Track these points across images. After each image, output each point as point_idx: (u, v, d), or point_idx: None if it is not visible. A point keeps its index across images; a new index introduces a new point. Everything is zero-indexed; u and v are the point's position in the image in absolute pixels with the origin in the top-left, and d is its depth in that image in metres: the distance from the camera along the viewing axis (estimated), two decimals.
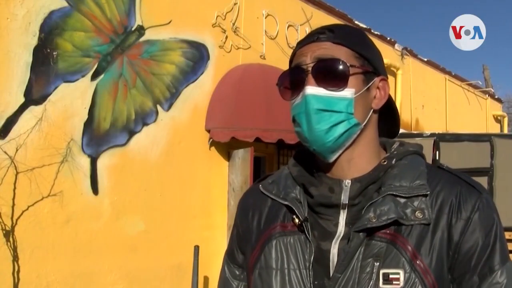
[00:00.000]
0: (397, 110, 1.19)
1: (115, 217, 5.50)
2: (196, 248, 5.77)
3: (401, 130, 8.84)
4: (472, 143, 6.78)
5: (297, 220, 1.06)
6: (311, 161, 1.12)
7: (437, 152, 6.67)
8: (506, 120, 16.12)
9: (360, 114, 1.05)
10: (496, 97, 16.13)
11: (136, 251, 5.65)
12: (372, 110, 1.08)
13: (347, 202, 1.04)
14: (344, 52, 1.05)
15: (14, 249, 4.67)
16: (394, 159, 1.07)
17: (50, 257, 4.92)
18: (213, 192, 6.54)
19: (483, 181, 6.54)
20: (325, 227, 1.05)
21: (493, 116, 15.12)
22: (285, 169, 1.17)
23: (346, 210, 1.05)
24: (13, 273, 4.64)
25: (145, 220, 5.77)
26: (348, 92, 1.03)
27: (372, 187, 1.05)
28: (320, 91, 1.03)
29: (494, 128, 14.84)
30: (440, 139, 6.78)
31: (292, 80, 1.07)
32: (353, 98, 1.04)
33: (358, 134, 1.06)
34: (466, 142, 6.80)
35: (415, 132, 9.53)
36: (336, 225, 1.05)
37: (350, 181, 1.05)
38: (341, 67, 1.03)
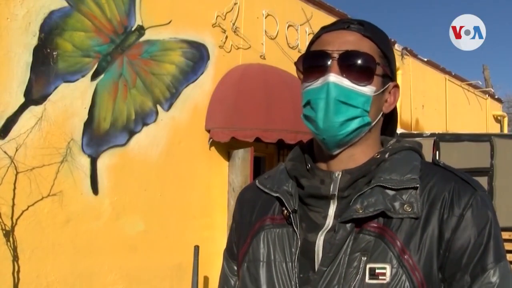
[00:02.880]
0: (397, 115, 1.19)
1: (115, 217, 5.49)
2: (196, 248, 5.77)
3: (401, 130, 8.86)
4: (472, 143, 6.78)
5: (286, 212, 1.05)
6: (309, 155, 1.12)
7: (437, 152, 6.68)
8: (506, 120, 16.13)
9: (373, 114, 1.05)
10: (496, 97, 16.12)
11: (136, 251, 5.65)
12: (381, 113, 1.08)
13: (336, 193, 1.02)
14: (371, 47, 1.04)
15: (14, 249, 4.67)
16: (388, 153, 1.06)
17: (50, 257, 4.92)
18: (213, 192, 6.53)
19: (483, 181, 6.54)
20: (313, 219, 1.04)
21: (493, 116, 15.12)
22: (281, 165, 1.16)
23: (336, 202, 1.03)
24: (13, 273, 4.64)
25: (145, 220, 5.77)
26: (369, 89, 1.03)
27: (363, 179, 1.03)
28: (344, 81, 1.01)
29: (494, 128, 14.84)
30: (440, 139, 6.78)
31: (315, 63, 1.05)
32: (372, 97, 1.03)
33: (366, 133, 1.05)
34: (466, 142, 6.80)
35: (415, 132, 9.53)
36: (325, 217, 1.03)
37: (340, 172, 1.04)
38: (370, 62, 1.02)
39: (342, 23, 1.07)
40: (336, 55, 1.02)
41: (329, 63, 1.02)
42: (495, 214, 1.00)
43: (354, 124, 1.02)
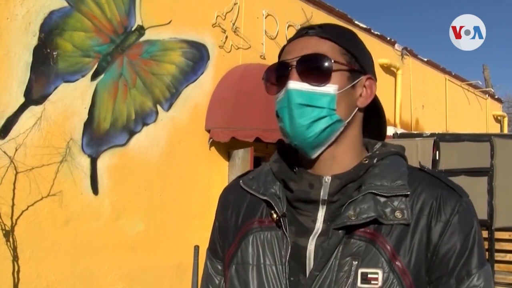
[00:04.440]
0: (383, 110, 1.19)
1: (115, 217, 5.49)
2: (196, 248, 5.77)
3: (401, 130, 8.85)
4: (472, 143, 6.78)
5: (275, 216, 1.05)
6: (293, 157, 1.12)
7: (437, 152, 6.67)
8: (506, 120, 16.13)
9: (343, 111, 1.05)
10: (496, 97, 16.13)
11: (136, 251, 5.65)
12: (357, 108, 1.08)
13: (326, 198, 1.04)
14: (331, 47, 1.05)
15: (14, 249, 4.67)
16: (376, 159, 1.07)
17: (50, 257, 4.92)
18: (213, 192, 6.53)
19: (483, 181, 6.54)
20: (303, 223, 1.05)
21: (493, 116, 15.12)
22: (266, 166, 1.16)
23: (325, 207, 1.04)
24: (13, 273, 4.64)
25: (145, 220, 5.77)
26: (330, 88, 1.03)
27: (352, 185, 1.04)
28: (303, 86, 1.03)
29: (494, 128, 14.84)
30: (440, 139, 6.78)
31: (277, 75, 1.08)
32: (336, 94, 1.03)
33: (342, 131, 1.06)
34: (466, 142, 6.80)
35: (415, 132, 9.53)
36: (314, 221, 1.04)
37: (330, 178, 1.05)
38: (324, 62, 1.03)
39: (302, 30, 1.09)
40: (294, 63, 1.04)
41: (288, 72, 1.05)
42: (478, 220, 1.04)
43: (322, 124, 1.03)
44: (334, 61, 1.03)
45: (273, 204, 1.06)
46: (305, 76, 1.03)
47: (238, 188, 1.17)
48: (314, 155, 1.06)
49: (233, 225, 1.14)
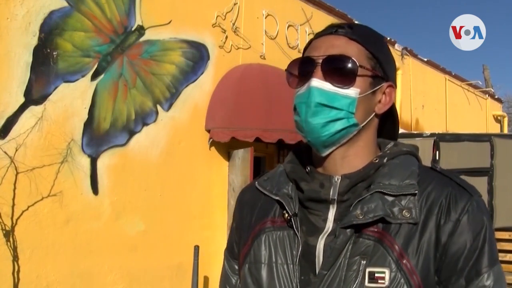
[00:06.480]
0: (397, 116, 1.20)
1: (115, 217, 5.49)
2: (196, 248, 5.77)
3: (401, 130, 8.85)
4: (472, 143, 6.79)
5: (286, 215, 1.07)
6: (307, 157, 1.13)
7: (437, 152, 6.67)
8: (506, 120, 16.12)
9: (361, 115, 1.05)
10: (496, 97, 16.13)
11: (136, 251, 5.65)
12: (374, 114, 1.09)
13: (335, 197, 1.04)
14: (358, 50, 1.06)
15: (14, 249, 4.67)
16: (386, 158, 1.08)
17: (50, 257, 4.92)
18: (213, 192, 6.53)
19: (483, 181, 6.54)
20: (314, 222, 1.06)
21: (493, 116, 15.12)
22: (280, 166, 1.18)
23: (335, 206, 1.05)
24: (13, 273, 4.64)
25: (145, 220, 5.77)
26: (353, 91, 1.04)
27: (362, 184, 1.05)
28: (326, 85, 1.03)
29: (494, 128, 14.84)
30: (440, 139, 6.78)
31: (301, 69, 1.08)
32: (357, 98, 1.04)
33: (356, 134, 1.06)
34: (466, 142, 6.81)
35: (415, 132, 9.53)
36: (325, 220, 1.05)
37: (339, 177, 1.06)
38: (350, 65, 1.03)
39: (331, 28, 1.09)
40: (320, 61, 1.04)
41: (313, 68, 1.05)
42: (490, 219, 1.03)
43: (338, 125, 1.03)
44: (360, 66, 1.04)
45: (284, 204, 1.08)
46: (329, 76, 1.04)
47: (253, 189, 1.19)
48: (325, 153, 1.07)
49: (247, 225, 1.15)
